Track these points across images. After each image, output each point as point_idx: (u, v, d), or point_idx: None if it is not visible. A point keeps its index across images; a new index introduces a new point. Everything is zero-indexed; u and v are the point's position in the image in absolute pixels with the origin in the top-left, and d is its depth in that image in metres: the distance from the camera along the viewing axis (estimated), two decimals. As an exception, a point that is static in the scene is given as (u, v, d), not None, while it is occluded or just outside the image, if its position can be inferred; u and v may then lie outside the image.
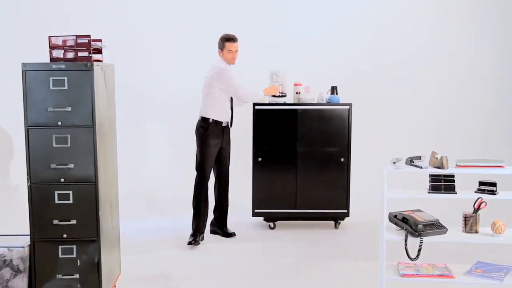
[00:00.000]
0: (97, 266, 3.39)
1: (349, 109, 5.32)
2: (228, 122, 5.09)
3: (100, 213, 3.37)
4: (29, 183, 3.32)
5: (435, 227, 3.48)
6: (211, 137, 4.98)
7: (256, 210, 5.45)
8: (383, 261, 3.49)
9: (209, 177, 5.06)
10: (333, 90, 5.39)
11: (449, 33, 6.83)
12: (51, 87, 3.29)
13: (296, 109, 5.35)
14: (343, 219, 5.47)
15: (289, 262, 4.58)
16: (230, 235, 5.23)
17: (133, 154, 6.63)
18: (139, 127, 6.81)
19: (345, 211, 5.39)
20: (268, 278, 4.23)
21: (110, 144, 3.68)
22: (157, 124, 6.85)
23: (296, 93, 5.40)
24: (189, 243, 4.87)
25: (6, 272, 3.46)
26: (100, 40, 3.62)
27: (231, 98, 5.06)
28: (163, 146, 6.86)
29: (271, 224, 5.50)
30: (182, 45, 6.68)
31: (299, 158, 5.39)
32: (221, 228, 5.28)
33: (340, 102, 5.35)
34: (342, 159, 5.33)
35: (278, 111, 5.37)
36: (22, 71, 3.28)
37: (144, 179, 6.67)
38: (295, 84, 5.43)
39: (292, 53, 6.64)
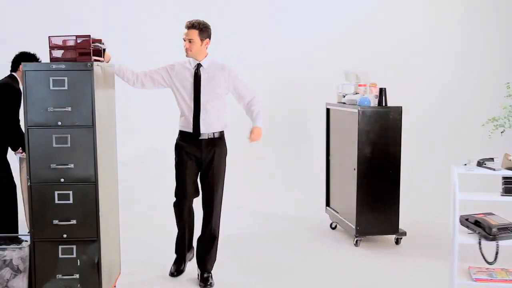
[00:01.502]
0: (97, 266, 3.39)
1: (358, 112, 4.78)
2: (207, 133, 4.00)
3: (100, 213, 3.37)
4: (29, 183, 3.32)
5: (510, 230, 3.38)
6: (178, 151, 4.10)
7: (327, 207, 5.63)
8: (455, 264, 3.39)
9: (184, 197, 4.11)
10: (381, 92, 4.86)
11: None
12: (51, 87, 3.28)
13: (330, 109, 5.47)
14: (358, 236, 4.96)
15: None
16: (205, 282, 4.04)
17: (134, 154, 6.63)
18: (139, 127, 6.80)
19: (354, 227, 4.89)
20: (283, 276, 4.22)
21: (110, 144, 3.68)
22: (157, 124, 6.85)
23: (355, 93, 5.18)
24: (171, 274, 4.23)
25: (6, 272, 3.46)
26: (100, 40, 3.62)
27: (196, 101, 4.00)
28: (163, 146, 6.85)
29: (333, 224, 5.52)
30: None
31: (337, 162, 5.40)
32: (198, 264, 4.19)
33: (389, 105, 4.86)
34: (354, 169, 4.86)
35: (334, 111, 5.46)
36: (22, 71, 3.28)
37: (145, 179, 6.67)
38: (359, 85, 5.12)
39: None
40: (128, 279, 4.09)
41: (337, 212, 5.37)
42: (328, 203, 5.66)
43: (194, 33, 3.99)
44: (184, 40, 4.02)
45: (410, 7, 6.91)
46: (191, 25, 4.00)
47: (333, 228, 5.53)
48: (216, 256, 4.20)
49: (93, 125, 3.31)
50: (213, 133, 4.03)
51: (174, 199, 4.20)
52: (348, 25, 6.91)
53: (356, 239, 4.93)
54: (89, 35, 3.44)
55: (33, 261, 3.38)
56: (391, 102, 4.93)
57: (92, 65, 3.29)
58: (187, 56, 4.06)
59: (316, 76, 6.83)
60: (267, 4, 6.97)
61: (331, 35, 6.93)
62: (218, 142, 4.07)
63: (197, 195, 4.22)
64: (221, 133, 4.10)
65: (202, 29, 4.01)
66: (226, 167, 4.17)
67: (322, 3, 6.96)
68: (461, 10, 6.90)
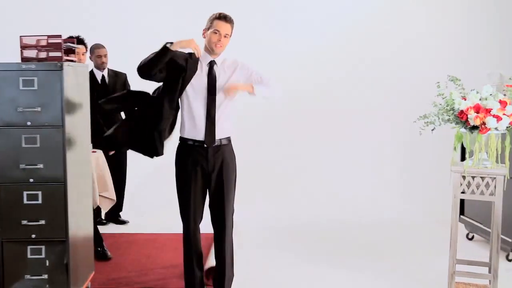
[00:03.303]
0: (66, 266, 3.37)
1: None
2: (211, 140, 3.52)
3: (69, 214, 3.35)
4: (-3, 184, 3.31)
5: None
6: (181, 164, 3.62)
7: (461, 216, 5.18)
8: None
9: (195, 225, 3.62)
10: None
11: None
12: (20, 87, 3.27)
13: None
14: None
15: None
16: None
17: (132, 154, 6.62)
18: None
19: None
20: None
21: (82, 145, 3.65)
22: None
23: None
24: None
25: (-25, 272, 3.45)
26: (73, 41, 3.61)
27: (208, 103, 3.52)
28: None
29: (469, 234, 5.18)
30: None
31: None
32: None
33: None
34: None
35: None
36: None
37: (145, 178, 6.67)
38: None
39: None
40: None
41: (480, 223, 4.96)
42: (462, 212, 5.22)
43: (229, 28, 3.54)
44: (215, 33, 3.50)
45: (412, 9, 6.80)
46: (230, 19, 3.53)
47: (470, 239, 5.19)
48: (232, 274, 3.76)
49: (62, 126, 3.29)
50: (220, 139, 3.54)
51: (181, 225, 3.65)
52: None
53: (510, 253, 4.62)
54: (61, 35, 3.44)
55: (1, 261, 3.36)
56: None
57: (62, 65, 3.27)
58: (217, 51, 3.53)
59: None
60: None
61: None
62: (226, 149, 3.57)
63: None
64: (229, 139, 3.63)
65: (233, 24, 3.59)
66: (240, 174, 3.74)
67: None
68: (462, 10, 6.78)
